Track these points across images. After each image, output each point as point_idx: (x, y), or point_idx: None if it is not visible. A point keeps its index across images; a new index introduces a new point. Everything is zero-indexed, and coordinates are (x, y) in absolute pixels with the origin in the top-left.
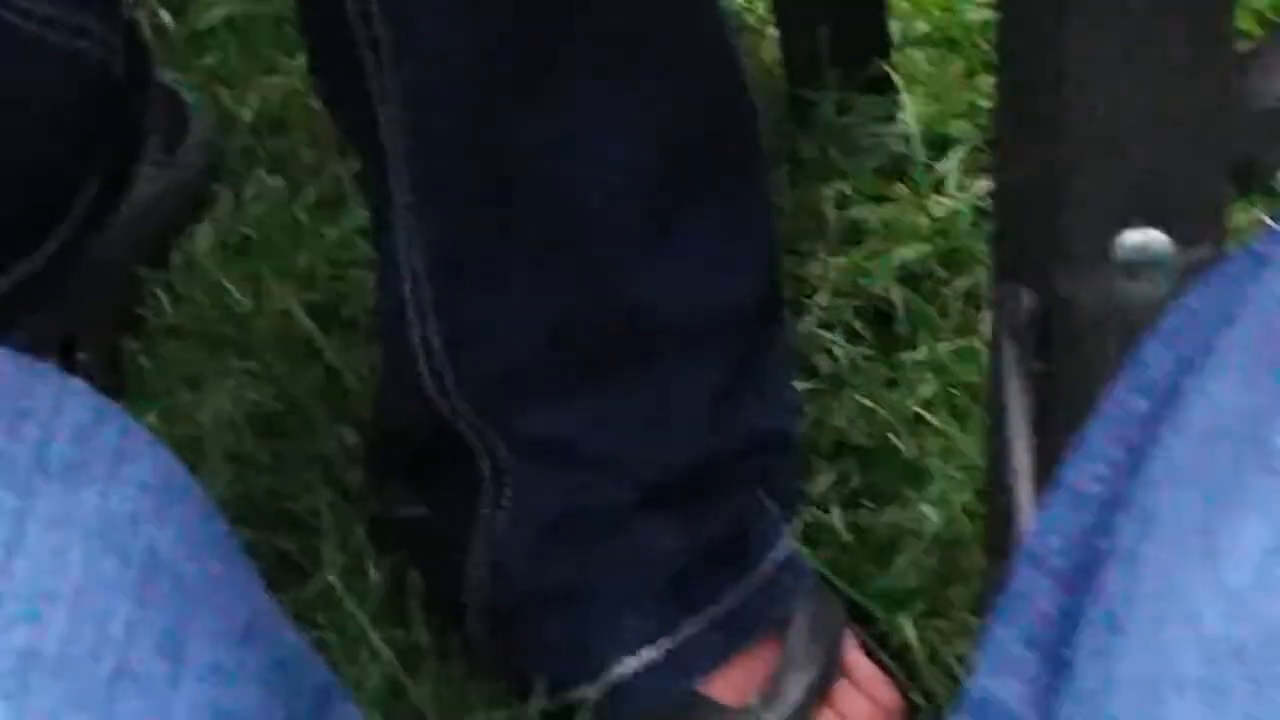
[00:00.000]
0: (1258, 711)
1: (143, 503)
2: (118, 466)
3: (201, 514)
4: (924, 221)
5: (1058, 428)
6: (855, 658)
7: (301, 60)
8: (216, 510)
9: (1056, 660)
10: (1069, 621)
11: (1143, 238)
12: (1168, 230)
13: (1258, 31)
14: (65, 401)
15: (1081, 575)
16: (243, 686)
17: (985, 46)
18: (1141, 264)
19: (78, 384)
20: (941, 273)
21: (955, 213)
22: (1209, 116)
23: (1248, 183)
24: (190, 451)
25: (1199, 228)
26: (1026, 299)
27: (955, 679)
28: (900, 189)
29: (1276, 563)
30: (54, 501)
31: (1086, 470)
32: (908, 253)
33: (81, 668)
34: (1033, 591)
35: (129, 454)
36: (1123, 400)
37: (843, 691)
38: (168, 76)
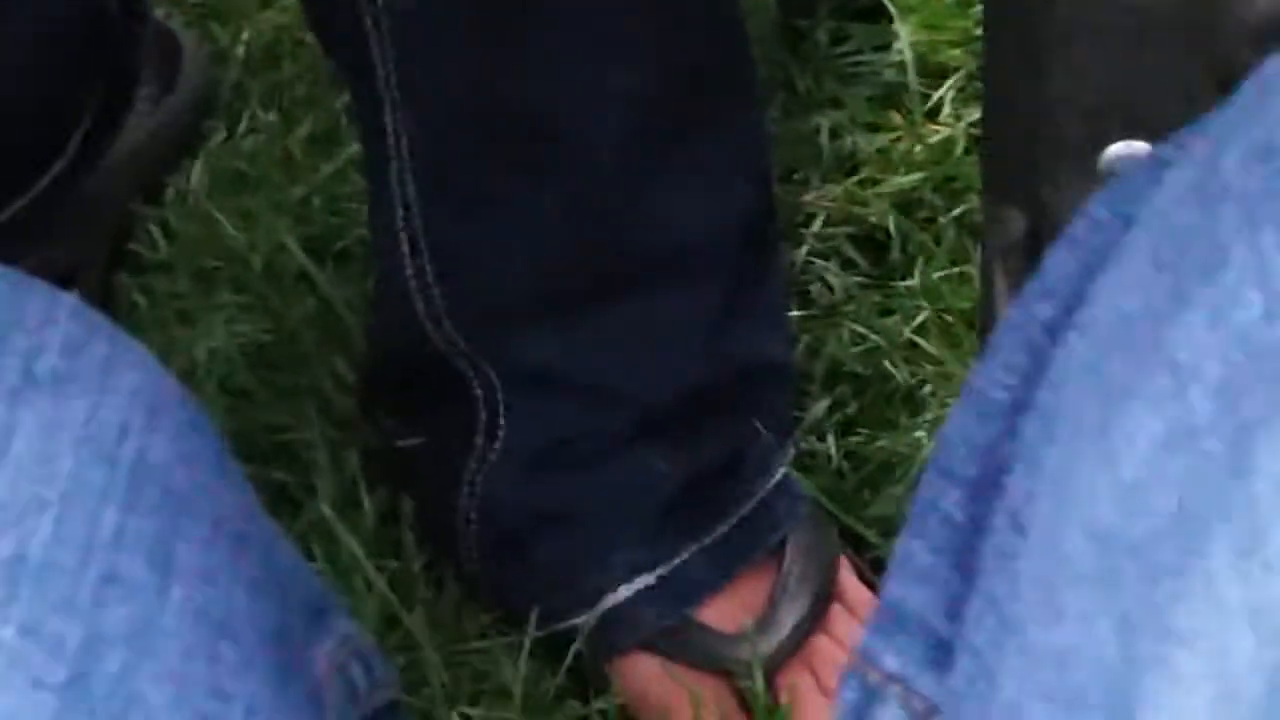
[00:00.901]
0: (1149, 601)
1: (132, 412)
2: (107, 377)
3: (191, 423)
4: (918, 150)
5: None
6: (850, 583)
7: None
8: (207, 420)
9: (965, 567)
10: (977, 528)
11: (1128, 149)
12: (1153, 142)
13: None
14: (55, 314)
15: (989, 482)
16: (232, 594)
17: None
18: None
19: (67, 298)
20: (936, 201)
21: (950, 141)
22: (1194, 26)
23: (1233, 91)
24: (184, 385)
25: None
26: (1015, 219)
27: None
28: (895, 118)
29: (1167, 456)
30: (42, 411)
31: (993, 378)
32: (902, 181)
33: (68, 574)
34: (941, 500)
35: (118, 365)
36: (1029, 307)
37: (837, 616)
38: (160, 12)
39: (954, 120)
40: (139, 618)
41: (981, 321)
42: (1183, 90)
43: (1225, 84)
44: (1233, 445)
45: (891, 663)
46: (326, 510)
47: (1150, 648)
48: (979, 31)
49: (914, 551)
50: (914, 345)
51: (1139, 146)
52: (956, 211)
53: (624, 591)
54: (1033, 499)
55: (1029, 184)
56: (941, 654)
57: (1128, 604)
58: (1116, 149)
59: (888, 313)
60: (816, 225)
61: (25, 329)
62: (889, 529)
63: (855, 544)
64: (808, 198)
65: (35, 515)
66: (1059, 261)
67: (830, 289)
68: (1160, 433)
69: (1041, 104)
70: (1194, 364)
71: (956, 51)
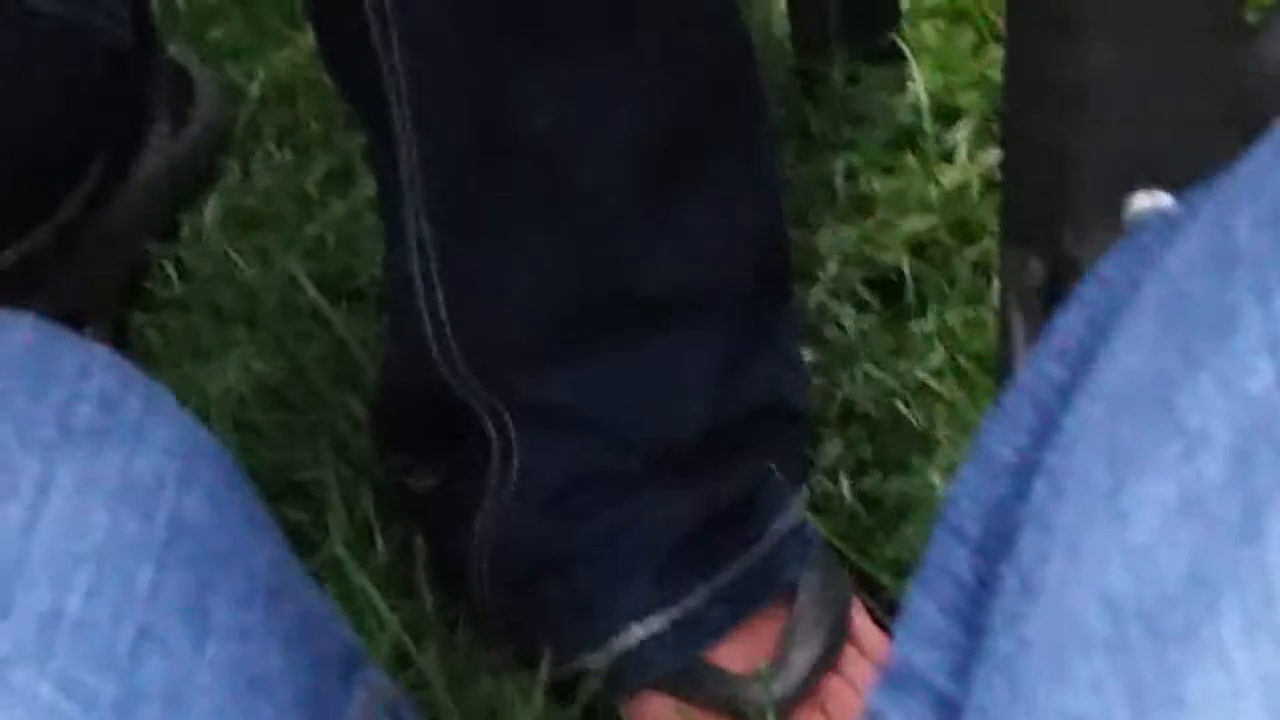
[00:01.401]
0: (1160, 668)
1: (167, 467)
2: (142, 432)
3: (226, 478)
4: (933, 192)
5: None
6: (863, 626)
7: (308, 33)
8: (241, 474)
9: (974, 628)
10: (986, 589)
11: (1152, 201)
12: (1178, 194)
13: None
14: (91, 368)
15: (999, 542)
16: (267, 650)
17: (994, 17)
18: None
19: (103, 351)
20: (950, 243)
21: (964, 183)
22: (1220, 80)
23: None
24: (197, 423)
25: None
26: (1035, 266)
27: None
28: (909, 160)
29: (1178, 522)
30: (78, 465)
31: (1003, 438)
32: (917, 223)
33: (104, 630)
34: (951, 560)
35: (153, 420)
36: (1039, 368)
37: (850, 658)
38: (175, 49)
39: (969, 163)
40: (174, 675)
41: (998, 367)
42: (1209, 141)
43: (1251, 135)
44: (1244, 512)
45: None
46: (340, 549)
47: (1160, 715)
48: (994, 74)
49: (922, 611)
50: (928, 388)
51: (1162, 198)
52: (971, 254)
53: (636, 632)
54: (1043, 561)
55: (1049, 232)
56: (949, 715)
57: (1138, 670)
58: (1141, 200)
59: (901, 354)
60: (831, 267)
61: (61, 382)
62: (902, 571)
63: (868, 586)
64: (823, 239)
65: (71, 571)
66: (1069, 322)
67: (844, 330)
68: (1171, 498)
69: (1064, 152)
70: (1204, 429)
71: (972, 94)
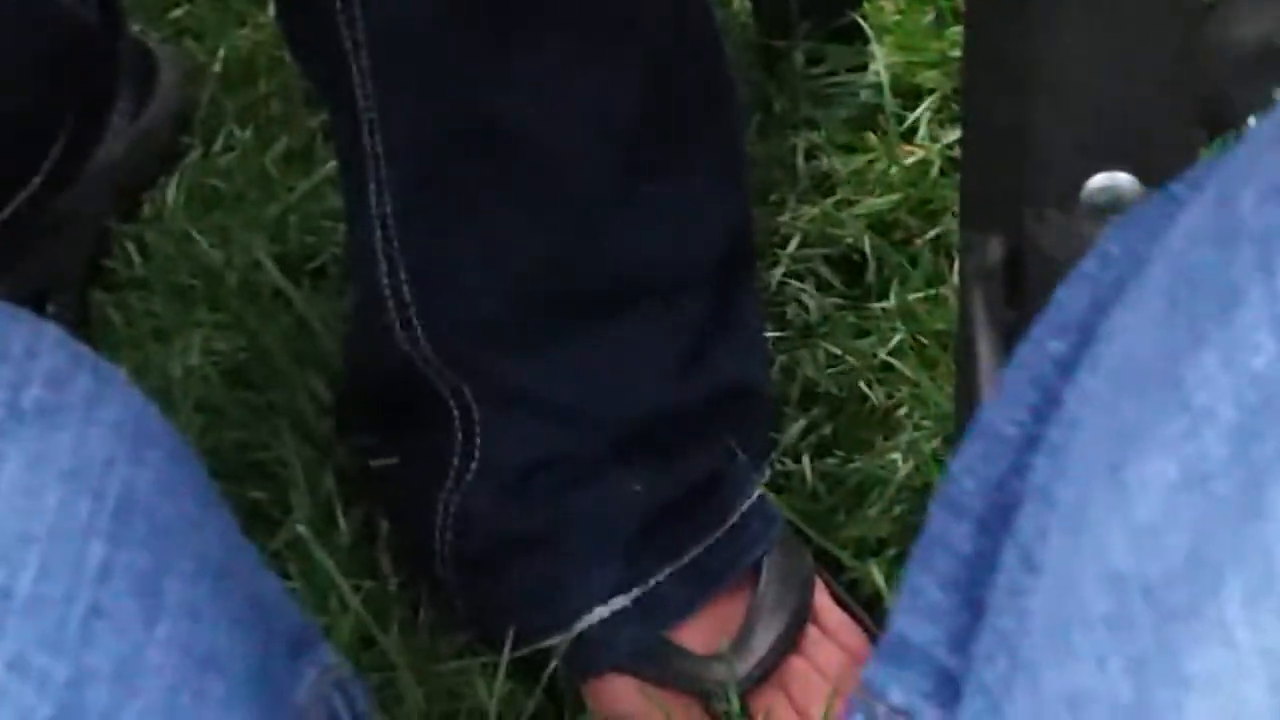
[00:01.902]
0: (1162, 644)
1: (117, 445)
2: (92, 410)
3: (176, 456)
4: (894, 171)
5: None
6: (825, 605)
7: (270, 12)
8: (191, 453)
9: (973, 603)
10: (986, 564)
11: (1111, 181)
12: (1137, 173)
13: None
14: (39, 346)
15: (998, 518)
16: (218, 627)
17: None
18: (1109, 206)
19: (52, 329)
20: (912, 222)
21: (925, 163)
22: (1178, 59)
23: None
24: (160, 403)
25: (1169, 171)
26: (995, 246)
27: None
28: (870, 139)
29: (1182, 499)
30: (28, 444)
31: (1003, 414)
32: (878, 203)
33: (54, 609)
34: (950, 535)
35: (103, 398)
36: (1039, 343)
37: (813, 639)
38: (136, 29)
39: (930, 142)
40: (125, 654)
41: (959, 346)
42: (1169, 121)
43: (1212, 115)
44: (1246, 489)
45: (898, 696)
46: (302, 529)
47: (1163, 691)
48: (955, 53)
49: (921, 586)
50: (889, 367)
51: (1122, 178)
52: (932, 233)
53: (600, 612)
54: (1045, 537)
55: (1009, 211)
56: (948, 689)
57: (1141, 646)
58: (1100, 179)
59: (863, 334)
60: (792, 246)
61: (9, 361)
62: (864, 550)
63: (830, 566)
64: (784, 219)
65: (21, 550)
66: (1071, 297)
67: (806, 310)
68: (1174, 475)
69: (1024, 132)
70: (1208, 406)
71: (932, 73)
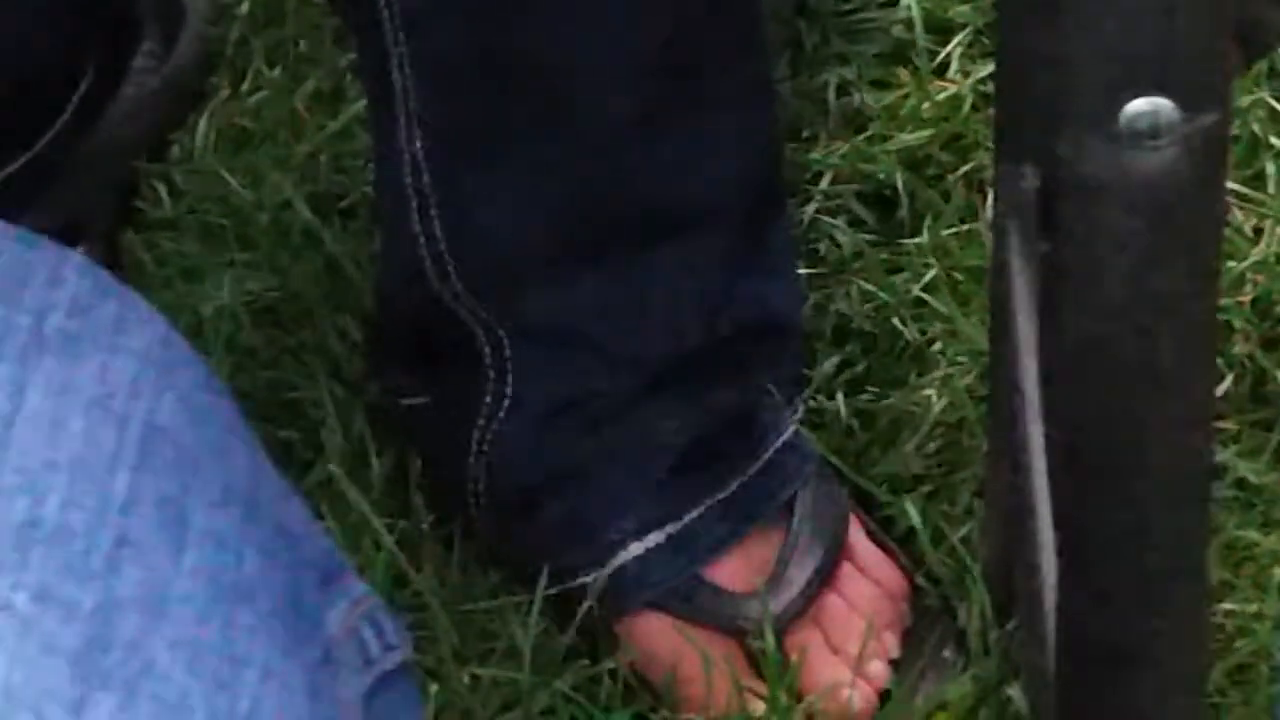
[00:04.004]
0: None
1: (142, 373)
2: (117, 337)
3: (202, 383)
4: (926, 107)
5: (1061, 306)
6: (860, 542)
7: None
8: (218, 381)
9: None
10: None
11: (1149, 105)
12: (1174, 97)
13: None
14: (63, 273)
15: None
16: (245, 556)
17: None
18: (1147, 132)
19: (76, 256)
20: (944, 158)
21: (957, 98)
22: None
23: (1253, 49)
24: (191, 343)
25: (1205, 94)
26: (1029, 177)
27: (960, 561)
28: (902, 75)
29: None
30: (53, 372)
31: None
32: (910, 138)
33: (81, 539)
34: None
35: (128, 325)
36: None
37: (847, 575)
38: None
39: (962, 77)
40: (152, 582)
41: (991, 278)
42: (1204, 45)
43: (1247, 39)
44: None
45: None
46: (334, 469)
47: None
48: None
49: None
50: (922, 303)
51: (1160, 103)
52: (965, 169)
53: (634, 549)
54: None
55: (1044, 141)
56: None
57: None
58: (1137, 105)
59: (896, 270)
60: (824, 183)
61: (33, 288)
62: (898, 487)
63: (865, 502)
64: (816, 156)
65: (47, 479)
66: None
67: (838, 246)
68: None
69: (1058, 60)
70: None
71: (964, 8)
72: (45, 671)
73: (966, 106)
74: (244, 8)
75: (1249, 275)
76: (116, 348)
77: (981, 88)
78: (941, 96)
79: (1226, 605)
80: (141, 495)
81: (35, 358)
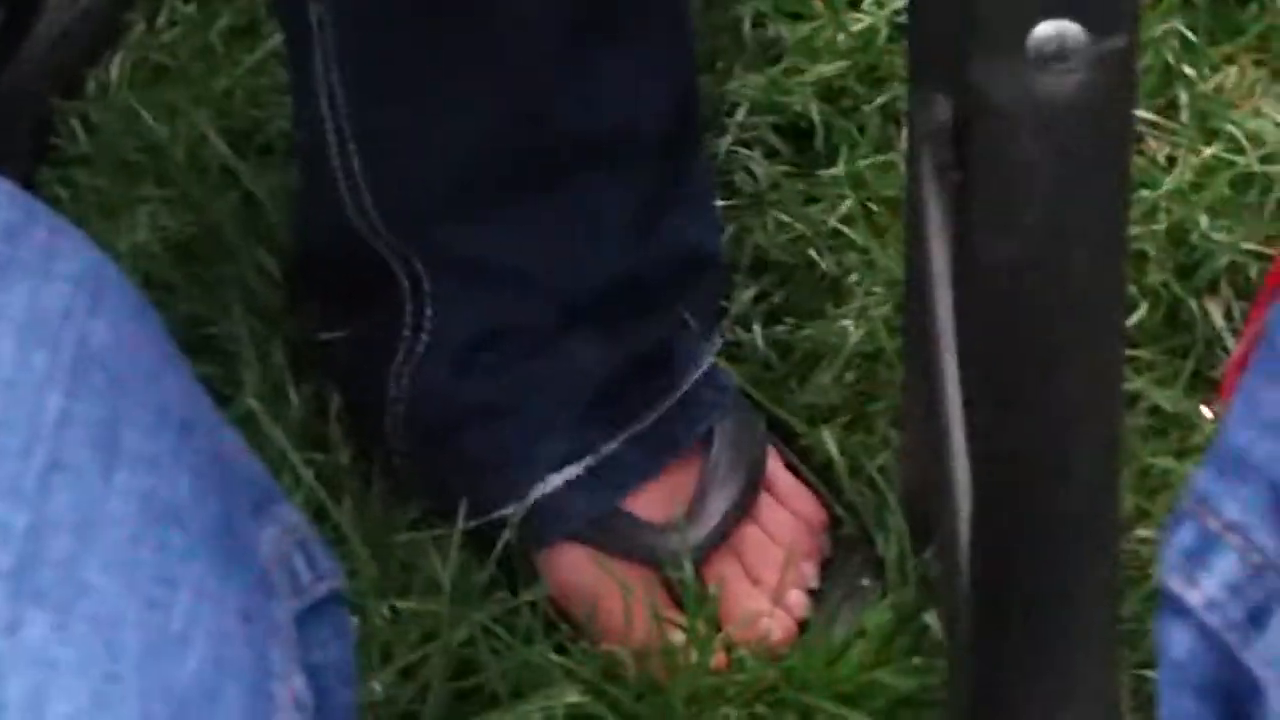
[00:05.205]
0: None
1: (74, 298)
2: (48, 263)
3: (134, 309)
4: (841, 38)
5: (974, 234)
6: (778, 472)
7: None
8: (150, 307)
9: None
10: None
11: (1056, 29)
12: (1081, 21)
13: None
14: None
15: None
16: (178, 479)
17: None
18: (1056, 56)
19: (6, 184)
20: (859, 89)
21: (872, 29)
22: None
23: None
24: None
25: (1113, 18)
26: (942, 106)
27: (878, 491)
28: (817, 6)
29: None
30: None
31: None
32: (826, 70)
33: (12, 460)
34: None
35: (59, 251)
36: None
37: (766, 505)
38: None
39: (876, 8)
40: (85, 504)
41: (907, 208)
42: None
43: None
44: None
45: (1232, 510)
46: (253, 403)
47: None
48: None
49: (1262, 399)
50: (839, 234)
51: (1068, 27)
52: (880, 100)
53: (553, 482)
54: None
55: (956, 68)
56: None
57: None
58: (1044, 29)
59: (812, 201)
60: (740, 115)
61: None
62: (815, 418)
63: (782, 433)
64: (731, 87)
65: None
66: None
67: (754, 178)
68: None
69: None
70: None
71: None
72: None
73: (881, 38)
74: None
75: (1163, 204)
76: (48, 273)
77: (896, 19)
78: (856, 28)
79: (1141, 532)
80: (73, 418)
81: None
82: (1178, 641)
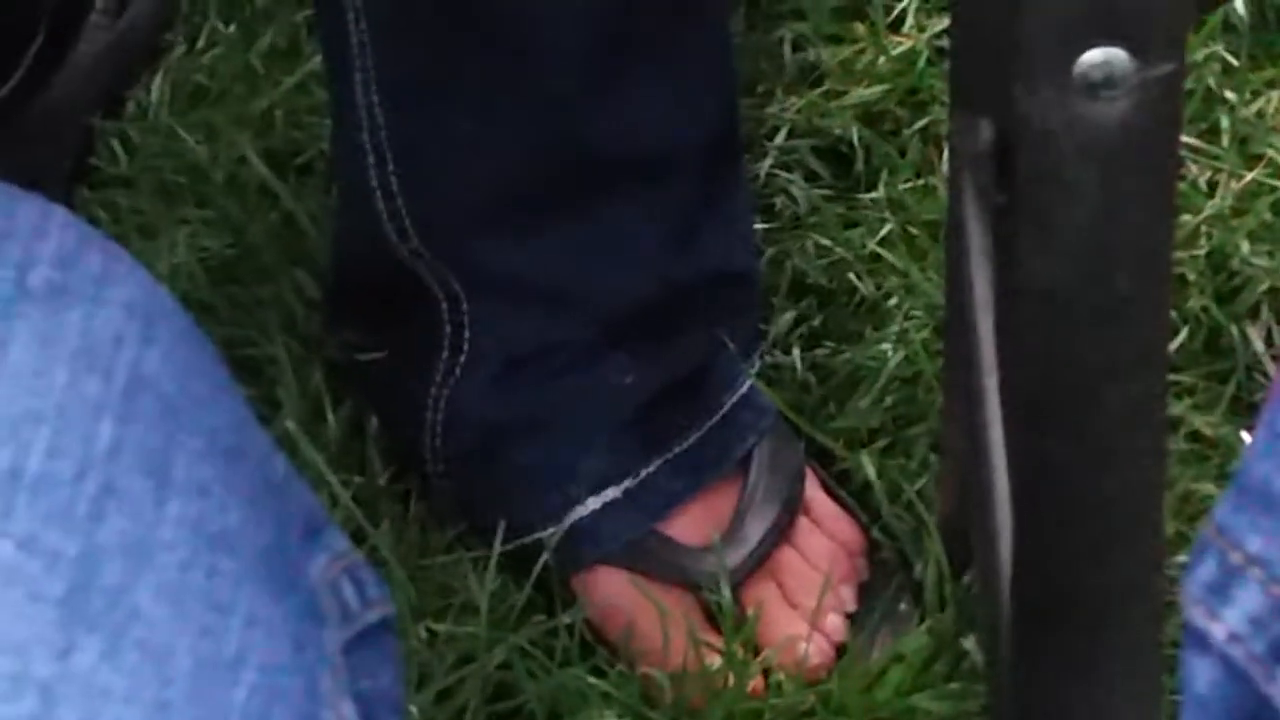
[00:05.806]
0: None
1: (126, 324)
2: (101, 289)
3: (186, 336)
4: (882, 62)
5: (1016, 258)
6: (816, 496)
7: None
8: (201, 333)
9: None
10: None
11: (1103, 56)
12: (1129, 48)
13: None
14: (47, 226)
15: None
16: (229, 506)
17: None
18: (1102, 83)
19: (60, 210)
20: (899, 112)
21: (913, 52)
22: None
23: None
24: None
25: (1160, 45)
26: (985, 130)
27: (916, 515)
28: (858, 29)
29: None
30: (36, 323)
31: None
32: (866, 93)
33: (65, 487)
34: None
35: (112, 277)
36: None
37: (804, 529)
38: None
39: (917, 31)
40: (136, 531)
41: (948, 231)
42: None
43: None
44: None
45: (1254, 543)
46: (291, 425)
47: None
48: None
49: None
50: (878, 258)
51: (1115, 54)
52: (920, 123)
53: (590, 504)
54: None
55: (999, 93)
56: None
57: None
58: (1091, 56)
59: (852, 225)
60: (780, 138)
61: (17, 240)
62: (854, 441)
63: (821, 457)
64: (771, 110)
65: (31, 429)
66: None
67: (794, 201)
68: None
69: (1013, 9)
70: None
71: None
72: (31, 618)
73: (922, 61)
74: None
75: (1204, 229)
76: (101, 299)
77: (937, 42)
78: (897, 51)
79: (1182, 558)
80: (125, 445)
81: (19, 309)
82: (1201, 675)
